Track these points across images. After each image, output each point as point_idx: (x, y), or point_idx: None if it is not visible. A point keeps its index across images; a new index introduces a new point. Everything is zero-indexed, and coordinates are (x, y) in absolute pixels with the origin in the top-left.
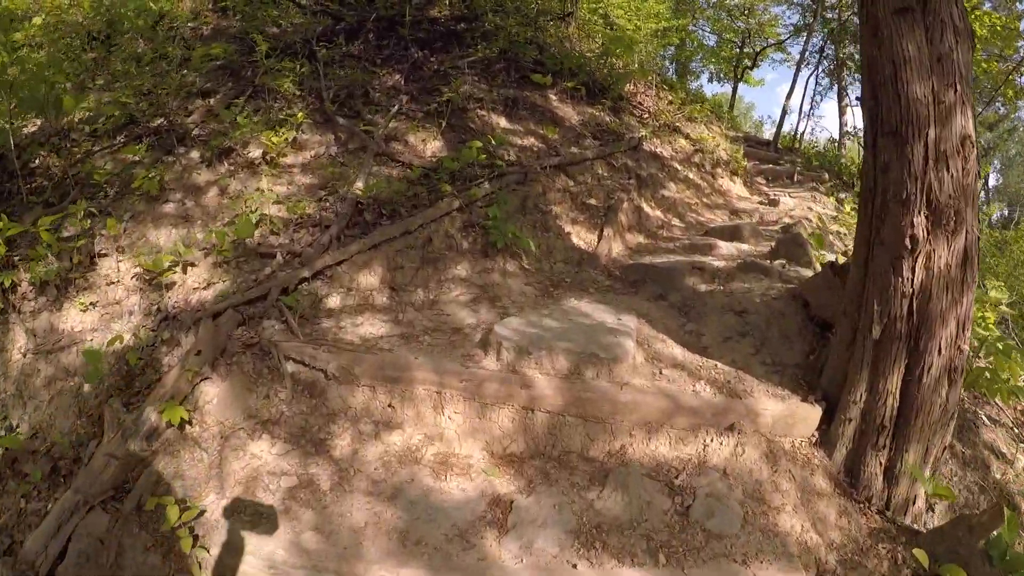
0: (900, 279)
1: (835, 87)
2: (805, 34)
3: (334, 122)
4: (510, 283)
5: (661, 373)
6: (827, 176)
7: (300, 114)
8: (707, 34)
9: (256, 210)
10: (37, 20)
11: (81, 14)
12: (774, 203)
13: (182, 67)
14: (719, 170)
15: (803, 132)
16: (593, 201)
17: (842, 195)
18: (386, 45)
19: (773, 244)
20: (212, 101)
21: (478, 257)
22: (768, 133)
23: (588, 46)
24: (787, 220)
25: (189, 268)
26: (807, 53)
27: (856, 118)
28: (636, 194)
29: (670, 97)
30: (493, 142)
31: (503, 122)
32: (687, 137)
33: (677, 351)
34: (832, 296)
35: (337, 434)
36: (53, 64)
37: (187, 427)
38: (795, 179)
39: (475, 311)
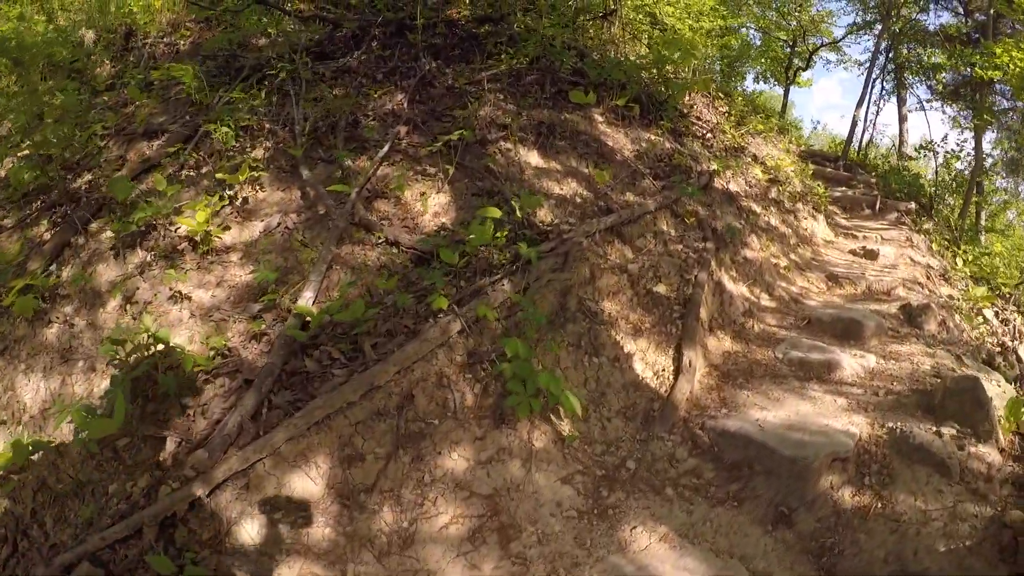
0: None
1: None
2: (867, 34)
3: (300, 173)
4: (537, 479)
5: None
6: (912, 205)
7: (246, 169)
8: (751, 32)
9: (150, 348)
10: None
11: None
12: (871, 255)
13: (146, 94)
14: (799, 206)
15: (867, 142)
16: (662, 288)
17: (926, 223)
18: (391, 55)
19: (930, 387)
20: (156, 145)
21: (488, 427)
22: (814, 140)
23: (634, 49)
24: (900, 290)
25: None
26: (877, 56)
27: (918, 126)
28: (715, 262)
29: (727, 108)
30: (518, 206)
31: (535, 158)
32: (758, 161)
33: None
34: None
35: None
36: None
37: None
38: (876, 208)
39: (473, 564)
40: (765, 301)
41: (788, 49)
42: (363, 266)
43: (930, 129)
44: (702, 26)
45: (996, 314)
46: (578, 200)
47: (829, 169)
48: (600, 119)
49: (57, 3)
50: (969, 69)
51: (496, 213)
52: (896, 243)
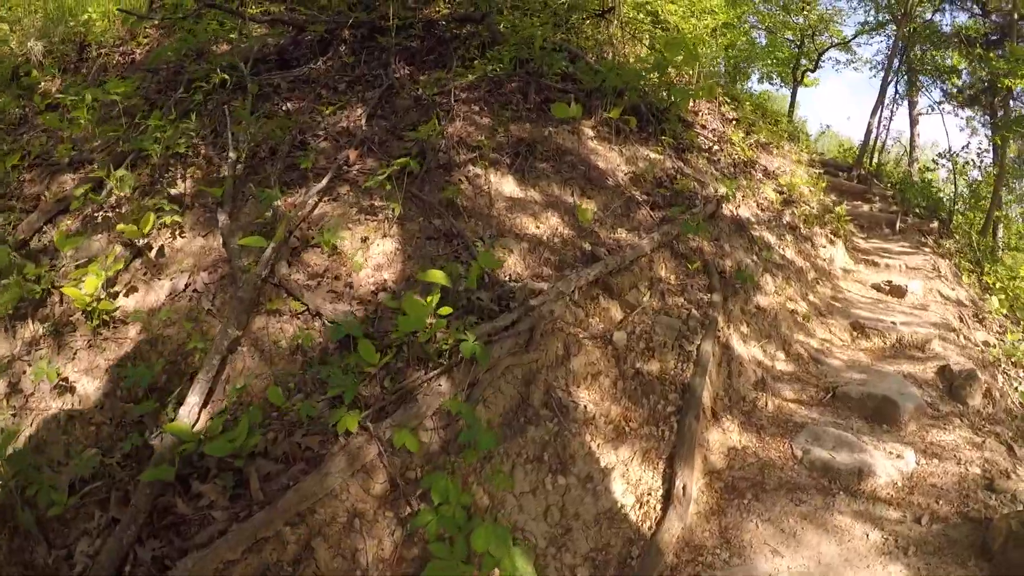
0: None
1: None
2: (880, 34)
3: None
4: None
5: None
6: (934, 224)
7: (149, 219)
8: (757, 30)
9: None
10: None
11: None
12: (898, 292)
13: (87, 115)
14: (816, 230)
15: (881, 149)
16: (655, 366)
17: (948, 243)
18: (356, 62)
19: (984, 513)
20: (78, 178)
21: None
22: (821, 143)
23: (634, 51)
24: (935, 343)
25: None
26: (892, 60)
27: (929, 129)
28: (722, 318)
29: (735, 114)
30: (475, 267)
31: (509, 186)
32: (770, 177)
33: None
34: None
35: None
36: None
37: None
38: (896, 227)
39: None
40: (781, 363)
41: (795, 49)
42: (274, 350)
43: (947, 133)
44: (707, 25)
45: None
46: (557, 242)
47: (843, 180)
48: (591, 134)
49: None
50: (987, 74)
51: (439, 278)
52: (922, 273)
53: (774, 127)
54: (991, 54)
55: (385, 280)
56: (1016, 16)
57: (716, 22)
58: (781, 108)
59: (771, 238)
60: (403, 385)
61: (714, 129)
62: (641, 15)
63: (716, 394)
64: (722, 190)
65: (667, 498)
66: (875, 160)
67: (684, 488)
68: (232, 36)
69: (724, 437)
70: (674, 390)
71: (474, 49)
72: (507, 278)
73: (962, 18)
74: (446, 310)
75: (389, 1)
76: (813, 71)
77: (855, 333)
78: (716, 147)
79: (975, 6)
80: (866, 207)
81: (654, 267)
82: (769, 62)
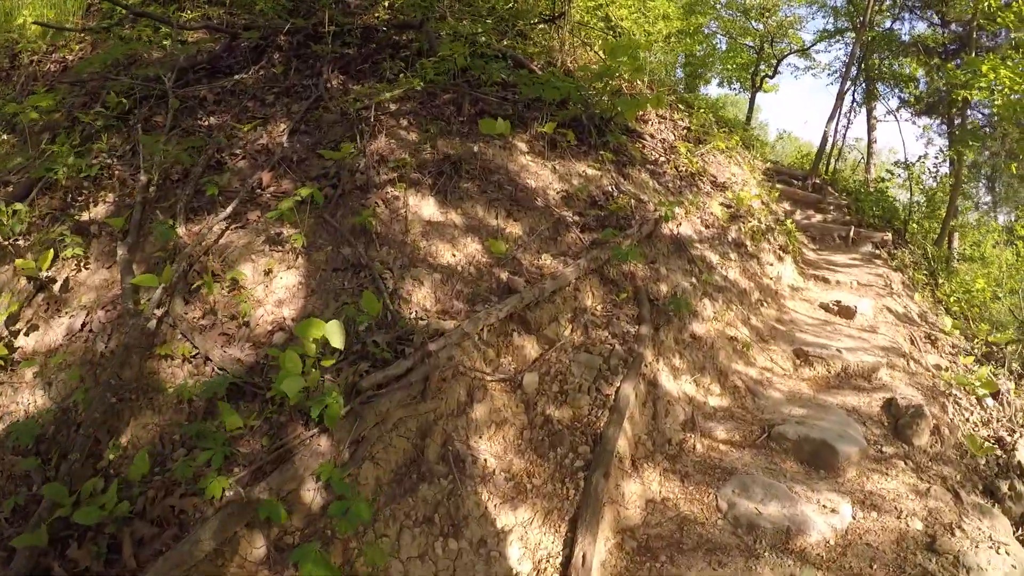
0: None
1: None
2: (839, 41)
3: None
4: None
5: None
6: (887, 236)
7: (47, 257)
8: (718, 36)
9: None
10: None
11: None
12: (846, 312)
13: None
14: (764, 247)
15: (837, 157)
16: (567, 412)
17: (902, 254)
18: (287, 71)
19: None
20: None
21: None
22: (780, 147)
23: (585, 57)
24: (883, 372)
25: None
26: (850, 68)
27: (886, 136)
28: (650, 352)
29: (688, 122)
30: (369, 306)
31: (430, 208)
32: (719, 188)
33: None
34: None
35: None
36: None
37: None
38: (850, 240)
39: None
40: (715, 398)
41: (755, 54)
42: (162, 399)
43: (903, 142)
44: (660, 31)
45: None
46: (472, 272)
47: (797, 189)
48: (524, 148)
49: None
50: (945, 84)
51: (320, 332)
52: (874, 290)
53: (728, 134)
54: (949, 64)
55: (284, 318)
56: (975, 25)
57: (670, 28)
58: (741, 112)
59: (714, 257)
60: (283, 443)
61: (663, 139)
62: (593, 20)
63: (637, 438)
64: (661, 211)
65: (566, 566)
66: (831, 167)
67: (584, 557)
68: (166, 43)
69: (643, 488)
70: (585, 440)
71: (413, 57)
72: (413, 314)
73: (921, 27)
74: (328, 361)
75: (325, 7)
76: (772, 77)
77: (798, 361)
78: (663, 159)
79: (934, 16)
80: (819, 217)
81: (579, 296)
82: (729, 67)
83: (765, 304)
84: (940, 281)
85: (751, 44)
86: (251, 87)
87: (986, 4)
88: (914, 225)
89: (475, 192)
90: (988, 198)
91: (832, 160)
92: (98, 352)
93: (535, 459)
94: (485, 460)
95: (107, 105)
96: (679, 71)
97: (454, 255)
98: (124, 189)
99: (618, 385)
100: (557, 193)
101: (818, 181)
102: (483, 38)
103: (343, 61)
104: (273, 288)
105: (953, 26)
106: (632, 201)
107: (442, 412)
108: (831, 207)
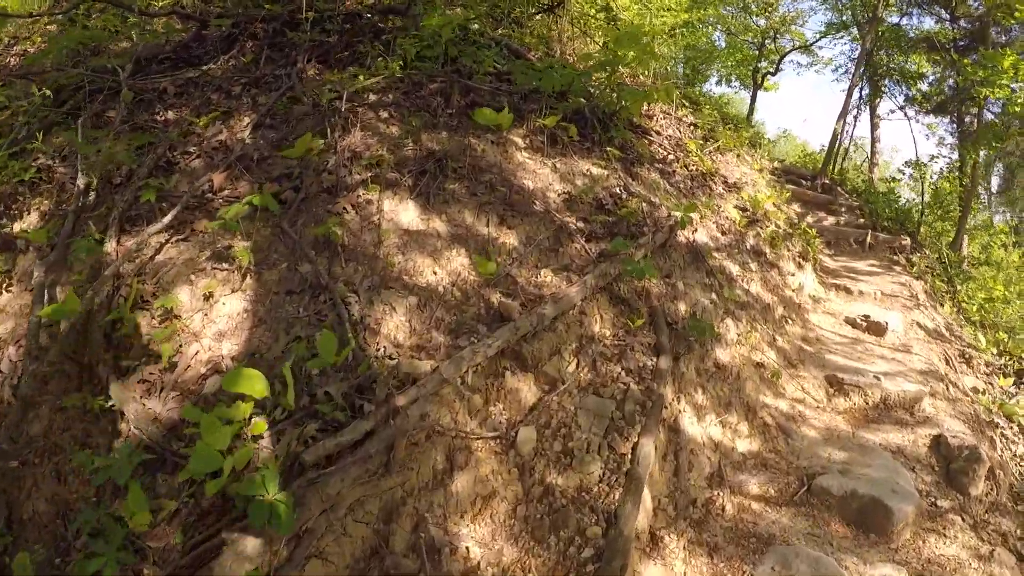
0: None
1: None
2: (845, 36)
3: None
4: None
5: None
6: (906, 240)
7: None
8: (717, 33)
9: None
10: None
11: None
12: (876, 329)
13: None
14: (784, 254)
15: (844, 156)
16: (573, 480)
17: (921, 260)
18: (258, 60)
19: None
20: None
21: None
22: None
23: (586, 48)
24: (926, 402)
25: None
26: (860, 66)
27: (893, 135)
28: (671, 389)
29: (693, 119)
30: (327, 345)
31: (409, 214)
32: (731, 189)
33: None
34: None
35: None
36: None
37: None
38: (867, 245)
39: None
40: (743, 440)
41: (755, 51)
42: (66, 468)
43: (914, 140)
44: (664, 22)
45: None
46: (457, 294)
47: (806, 190)
48: (521, 144)
49: None
50: (961, 81)
51: (257, 388)
52: (900, 301)
53: (735, 132)
54: (965, 60)
55: (223, 356)
56: (990, 20)
57: (675, 20)
58: (739, 111)
59: (733, 268)
60: (202, 539)
61: (670, 135)
62: (594, 10)
63: (657, 502)
64: (678, 214)
65: None
66: (839, 166)
67: None
68: (133, 32)
69: (664, 570)
70: (596, 520)
71: (398, 43)
72: (381, 350)
73: (929, 23)
74: (260, 427)
75: None
76: (774, 74)
77: (831, 390)
78: (671, 156)
79: (943, 11)
80: (831, 219)
81: (586, 322)
82: (729, 64)
83: (789, 321)
84: (959, 288)
85: (752, 41)
86: (218, 78)
87: None
88: (926, 227)
89: (463, 194)
90: (997, 198)
91: (840, 159)
92: (5, 400)
93: (532, 546)
94: (467, 549)
95: (55, 102)
96: (680, 67)
97: (435, 272)
98: (63, 195)
99: (635, 440)
100: (558, 195)
101: (827, 181)
102: (476, 25)
103: (322, 49)
104: (213, 317)
105: (963, 22)
106: (643, 205)
107: (413, 486)
108: (843, 209)
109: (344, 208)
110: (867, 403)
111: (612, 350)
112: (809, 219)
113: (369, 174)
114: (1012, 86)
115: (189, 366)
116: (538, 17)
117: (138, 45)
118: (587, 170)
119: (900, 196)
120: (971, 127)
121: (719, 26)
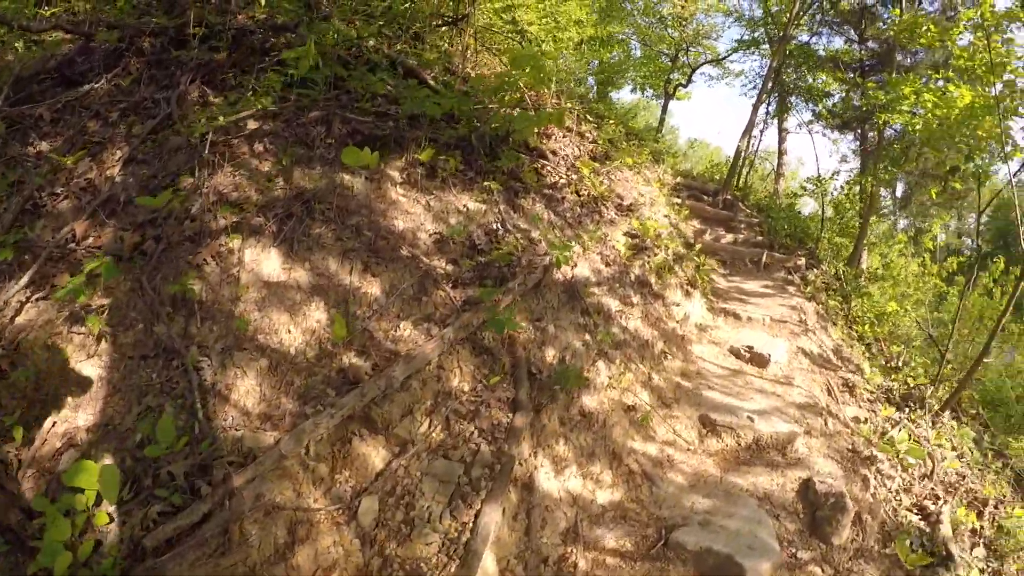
0: None
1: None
2: (755, 53)
3: None
4: None
5: None
6: (801, 261)
7: None
8: (634, 43)
9: None
10: None
11: None
12: (759, 361)
13: None
14: (671, 282)
15: (749, 171)
16: (411, 551)
17: (816, 278)
18: (139, 81)
19: None
20: None
21: None
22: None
23: (492, 65)
24: (799, 442)
25: None
26: (767, 83)
27: (801, 147)
28: (527, 445)
29: (595, 135)
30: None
31: (272, 264)
32: (623, 211)
33: None
34: None
35: None
36: None
37: None
38: (762, 265)
39: None
40: (605, 491)
41: (669, 62)
42: None
43: (816, 157)
44: (571, 38)
45: (908, 434)
46: (310, 356)
47: (707, 206)
48: (399, 178)
49: None
50: (863, 103)
51: (92, 479)
52: (788, 327)
53: (638, 147)
54: (870, 83)
55: (78, 428)
56: (895, 44)
57: (582, 34)
58: (653, 117)
59: (613, 304)
60: None
61: (567, 156)
62: (501, 24)
63: (506, 563)
64: (553, 255)
65: None
66: (744, 179)
67: None
68: (16, 46)
69: None
70: None
71: (286, 66)
72: (229, 421)
73: (838, 43)
74: (102, 519)
75: (192, 3)
76: (685, 85)
77: (704, 430)
78: (563, 180)
79: (852, 31)
80: (729, 237)
81: (443, 377)
82: (643, 74)
83: (669, 355)
84: (853, 304)
85: (666, 52)
86: (97, 102)
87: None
88: (825, 243)
89: (329, 239)
90: (896, 211)
91: (745, 170)
92: None
93: None
94: None
95: None
96: (591, 79)
97: (290, 331)
98: None
99: (479, 507)
100: (430, 236)
101: (729, 197)
102: (372, 41)
103: (208, 69)
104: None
105: (871, 43)
106: (521, 242)
107: (255, 561)
108: (742, 225)
109: (205, 260)
110: (739, 444)
111: (468, 406)
112: (708, 236)
113: (235, 219)
114: (914, 110)
115: (45, 440)
116: (444, 31)
117: (16, 64)
118: (464, 206)
119: (801, 212)
120: (873, 144)
121: (635, 37)
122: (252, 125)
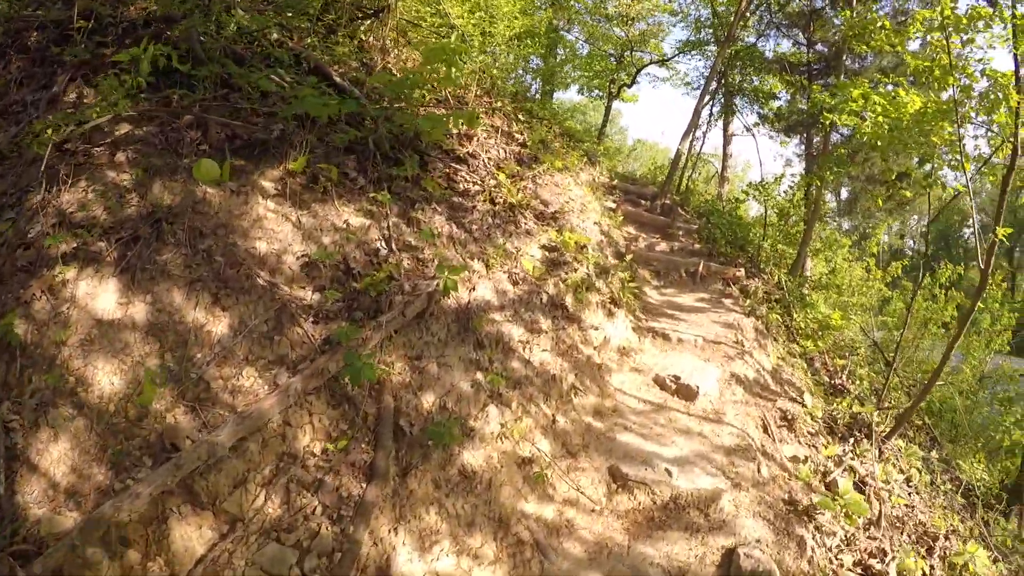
0: None
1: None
2: (699, 55)
3: None
4: None
5: None
6: (740, 272)
7: None
8: (580, 42)
9: None
10: None
11: None
12: (687, 394)
13: None
14: (592, 301)
15: (693, 164)
16: None
17: (756, 289)
18: (16, 81)
19: None
20: None
21: None
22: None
23: (416, 60)
24: (725, 499)
25: None
26: (710, 84)
27: (747, 150)
28: (386, 517)
29: (526, 137)
30: None
31: (107, 299)
32: (545, 220)
33: None
34: None
35: None
36: None
37: None
38: (698, 276)
39: None
40: (484, 571)
41: (615, 62)
42: None
43: (760, 162)
44: (502, 32)
45: (855, 480)
46: (131, 413)
47: (644, 211)
48: (272, 190)
49: None
50: (810, 106)
51: None
52: (722, 349)
53: (571, 148)
54: (816, 86)
55: None
56: (845, 47)
57: (511, 30)
58: (598, 117)
59: (516, 333)
60: None
61: (489, 159)
62: (428, 16)
63: None
64: (438, 282)
65: None
66: (685, 181)
67: None
68: None
69: None
70: None
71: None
72: (35, 494)
73: (786, 45)
74: None
75: None
76: (630, 86)
77: (615, 485)
78: (478, 187)
79: (800, 34)
80: (665, 245)
81: (289, 436)
82: (588, 74)
83: (581, 390)
84: (795, 317)
85: (612, 52)
86: None
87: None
88: (767, 249)
89: (177, 267)
90: (839, 215)
91: (687, 172)
92: None
93: None
94: None
95: None
96: (529, 79)
97: (113, 382)
98: None
99: None
100: (297, 260)
101: (668, 202)
102: (274, 35)
103: (91, 66)
104: None
105: (819, 46)
106: (407, 263)
107: None
108: (680, 232)
109: (35, 294)
110: (654, 503)
111: (315, 473)
112: (642, 244)
113: (73, 245)
114: (862, 114)
115: None
116: (365, 24)
117: None
118: (345, 221)
119: (745, 216)
120: (819, 148)
121: (581, 35)
122: (124, 130)
